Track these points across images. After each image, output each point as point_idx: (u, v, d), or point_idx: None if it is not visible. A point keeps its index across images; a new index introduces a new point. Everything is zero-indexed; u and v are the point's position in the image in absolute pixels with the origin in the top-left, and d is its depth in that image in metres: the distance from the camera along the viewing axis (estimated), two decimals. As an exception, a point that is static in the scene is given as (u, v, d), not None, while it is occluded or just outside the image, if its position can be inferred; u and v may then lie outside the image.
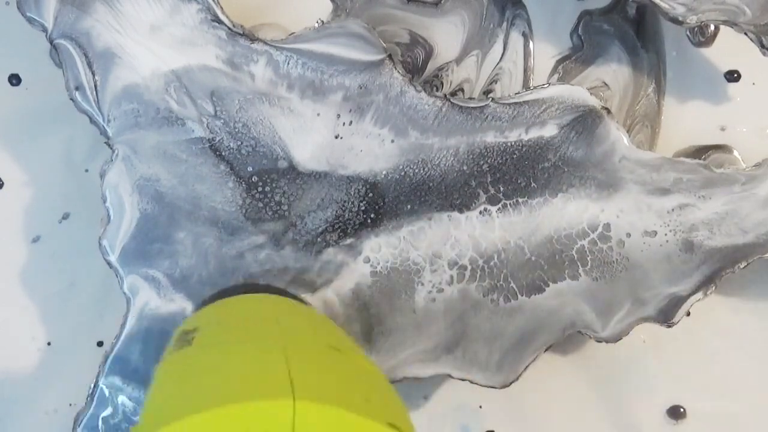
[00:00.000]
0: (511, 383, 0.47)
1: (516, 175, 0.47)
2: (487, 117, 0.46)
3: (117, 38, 0.46)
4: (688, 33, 0.51)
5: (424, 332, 0.47)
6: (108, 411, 0.48)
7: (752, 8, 0.47)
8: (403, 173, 0.47)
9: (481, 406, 0.52)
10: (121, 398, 0.48)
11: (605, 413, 0.52)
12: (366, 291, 0.47)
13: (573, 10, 0.52)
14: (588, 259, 0.46)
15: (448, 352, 0.47)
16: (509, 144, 0.46)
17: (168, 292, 0.47)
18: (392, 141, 0.46)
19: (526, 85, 0.52)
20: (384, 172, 0.47)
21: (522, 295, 0.47)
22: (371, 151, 0.47)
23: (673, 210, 0.46)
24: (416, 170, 0.47)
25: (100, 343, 0.52)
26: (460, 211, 0.47)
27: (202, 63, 0.47)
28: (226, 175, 0.47)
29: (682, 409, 0.52)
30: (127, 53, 0.46)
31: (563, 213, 0.47)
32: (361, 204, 0.47)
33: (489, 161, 0.47)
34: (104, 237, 0.47)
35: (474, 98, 0.51)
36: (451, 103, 0.46)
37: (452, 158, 0.47)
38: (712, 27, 0.51)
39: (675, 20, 0.47)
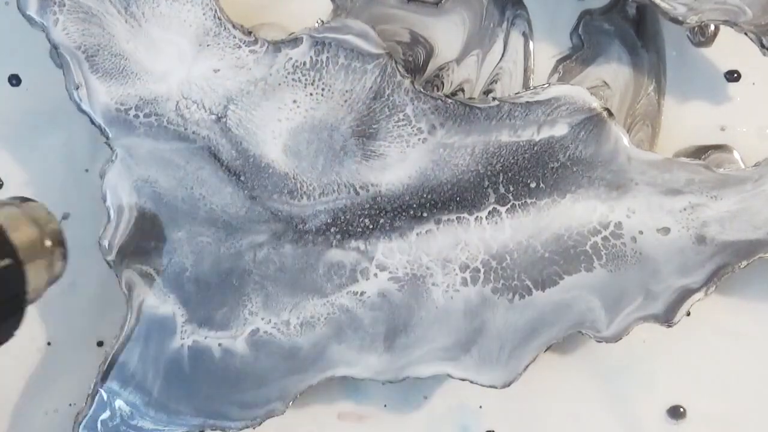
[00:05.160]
0: (511, 383, 0.47)
1: (526, 175, 0.47)
2: (502, 116, 0.46)
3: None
4: (688, 33, 0.51)
5: (444, 328, 0.47)
6: (106, 414, 0.48)
7: (753, 8, 0.47)
8: (424, 176, 0.47)
9: (481, 406, 0.52)
10: (119, 402, 0.48)
11: (605, 413, 0.52)
12: (395, 295, 0.47)
13: (573, 10, 0.52)
14: (602, 253, 0.46)
15: (465, 352, 0.47)
16: (521, 143, 0.46)
17: (161, 290, 0.47)
18: (424, 140, 0.46)
19: (526, 85, 0.52)
20: (408, 176, 0.47)
21: (537, 290, 0.47)
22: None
23: (685, 209, 0.46)
24: (437, 172, 0.47)
25: (100, 343, 0.52)
26: (470, 212, 0.47)
27: (204, 67, 0.47)
28: (225, 181, 0.47)
29: (682, 409, 0.52)
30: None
31: (572, 213, 0.47)
32: (366, 207, 0.47)
33: (502, 161, 0.47)
34: (104, 237, 0.47)
35: (474, 98, 0.51)
36: (464, 104, 0.47)
37: (468, 158, 0.47)
38: (712, 27, 0.51)
39: (675, 20, 0.47)
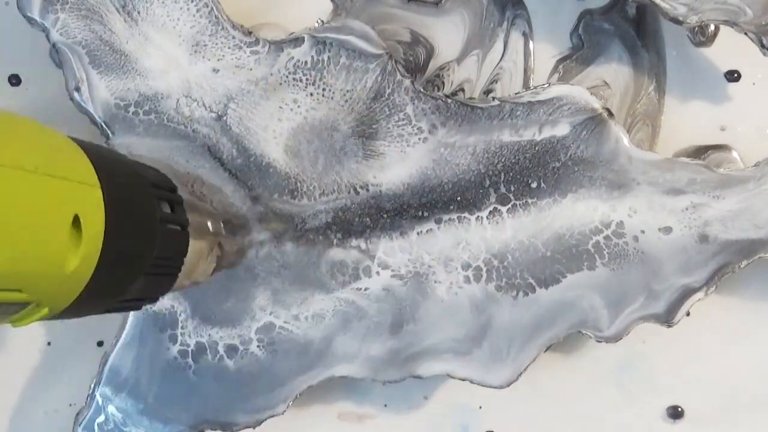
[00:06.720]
0: (511, 383, 0.47)
1: (527, 174, 0.47)
2: (504, 116, 0.46)
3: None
4: (688, 33, 0.51)
5: (453, 319, 0.47)
6: (102, 418, 0.48)
7: (753, 8, 0.47)
8: (425, 176, 0.47)
9: (481, 406, 0.52)
10: (111, 408, 0.47)
11: (605, 413, 0.52)
12: (399, 290, 0.47)
13: (573, 10, 0.52)
14: (605, 252, 0.46)
15: (476, 345, 0.47)
16: (523, 143, 0.46)
17: None
18: (425, 139, 0.46)
19: (526, 85, 0.52)
20: (408, 175, 0.47)
21: (540, 288, 0.47)
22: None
23: (687, 209, 0.46)
24: (437, 171, 0.47)
25: (100, 343, 0.52)
26: (471, 212, 0.47)
27: (204, 67, 0.47)
28: (226, 180, 0.47)
29: (681, 409, 0.52)
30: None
31: (573, 212, 0.46)
32: (367, 207, 0.47)
33: (503, 160, 0.47)
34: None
35: (475, 98, 0.51)
36: (465, 104, 0.47)
37: (470, 157, 0.47)
38: (713, 27, 0.51)
39: (676, 20, 0.47)
